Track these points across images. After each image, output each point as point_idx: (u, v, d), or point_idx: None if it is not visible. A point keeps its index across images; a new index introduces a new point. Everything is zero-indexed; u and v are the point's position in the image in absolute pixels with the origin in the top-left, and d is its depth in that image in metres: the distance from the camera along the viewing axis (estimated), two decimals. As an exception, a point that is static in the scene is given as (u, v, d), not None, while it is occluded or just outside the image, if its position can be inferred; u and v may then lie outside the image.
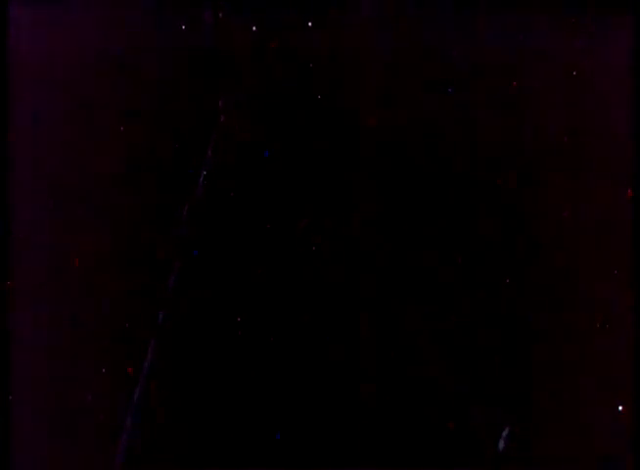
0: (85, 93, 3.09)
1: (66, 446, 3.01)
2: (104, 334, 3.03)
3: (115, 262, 3.05)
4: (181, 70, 3.10)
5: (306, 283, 3.05)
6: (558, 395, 3.03)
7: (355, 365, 3.03)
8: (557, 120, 3.10)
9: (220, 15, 3.11)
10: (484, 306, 3.05)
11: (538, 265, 3.07)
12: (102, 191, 3.07)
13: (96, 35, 3.10)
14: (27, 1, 3.11)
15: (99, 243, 3.06)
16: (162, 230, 3.06)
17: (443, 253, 3.06)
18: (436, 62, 3.10)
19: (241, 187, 3.07)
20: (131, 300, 3.03)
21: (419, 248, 3.06)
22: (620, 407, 3.01)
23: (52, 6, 3.11)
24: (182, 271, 3.04)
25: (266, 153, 3.08)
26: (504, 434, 3.02)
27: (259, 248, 3.05)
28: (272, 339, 3.03)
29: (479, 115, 3.09)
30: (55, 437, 3.02)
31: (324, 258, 3.05)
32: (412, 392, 3.03)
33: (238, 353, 3.03)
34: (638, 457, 3.01)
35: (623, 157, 3.08)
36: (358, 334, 3.04)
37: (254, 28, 3.11)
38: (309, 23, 3.10)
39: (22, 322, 3.03)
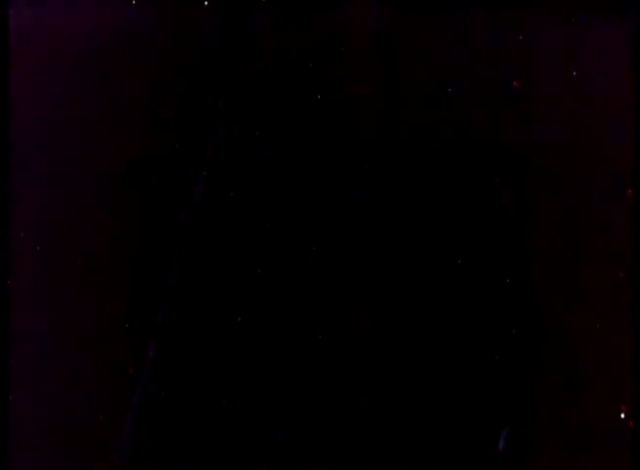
0: (85, 93, 3.10)
1: (66, 447, 3.01)
2: (104, 334, 3.03)
3: (115, 262, 3.05)
4: (181, 69, 3.10)
5: (307, 283, 3.05)
6: (558, 395, 3.03)
7: (355, 365, 3.03)
8: (557, 120, 3.10)
9: (220, 15, 3.11)
10: (484, 306, 3.04)
11: (538, 265, 3.06)
12: (102, 191, 3.07)
13: (95, 35, 3.10)
14: (27, 1, 3.11)
15: (99, 243, 3.06)
16: (163, 230, 3.06)
17: (443, 253, 3.06)
18: (436, 62, 3.10)
19: (241, 187, 3.07)
20: (131, 300, 3.03)
21: (419, 248, 3.06)
22: (622, 414, 3.01)
23: (52, 6, 3.11)
24: (182, 271, 3.04)
25: (266, 153, 3.08)
26: (504, 434, 3.02)
27: (259, 248, 3.05)
28: (272, 339, 3.03)
29: (478, 114, 3.09)
30: (55, 437, 3.01)
31: (324, 257, 3.05)
32: (412, 392, 3.03)
33: (238, 353, 3.03)
34: (638, 457, 3.01)
35: (623, 157, 3.08)
36: (358, 334, 3.04)
37: (254, 28, 3.11)
38: (309, 23, 3.10)
39: (23, 322, 3.03)
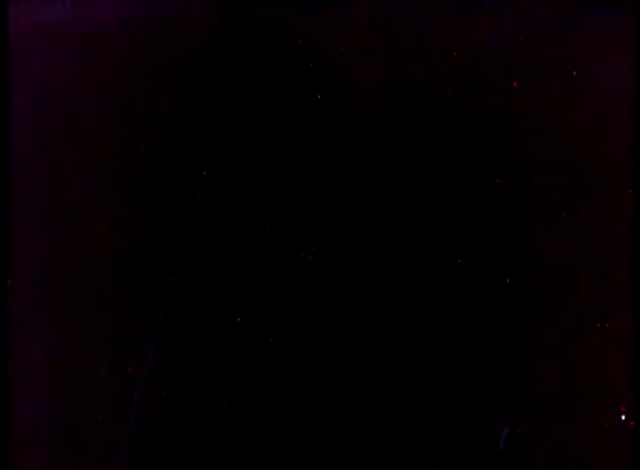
0: (85, 94, 3.10)
1: (66, 447, 3.01)
2: (104, 334, 3.03)
3: (115, 262, 3.05)
4: (181, 69, 3.10)
5: (306, 283, 3.05)
6: (558, 395, 3.03)
7: (355, 366, 3.03)
8: (557, 120, 3.10)
9: (221, 14, 3.11)
10: (484, 306, 3.05)
11: (538, 265, 3.06)
12: (102, 191, 3.07)
13: (95, 36, 3.10)
14: (28, 1, 3.11)
15: (99, 243, 3.06)
16: (163, 230, 3.06)
17: (443, 253, 3.06)
18: (437, 62, 3.10)
19: (241, 187, 3.07)
20: (131, 300, 3.03)
21: (419, 248, 3.06)
22: (623, 416, 3.01)
23: (52, 6, 3.12)
24: (182, 271, 3.05)
25: (266, 153, 3.08)
26: (504, 434, 3.02)
27: (259, 248, 3.05)
28: (272, 339, 3.03)
29: (478, 114, 3.09)
30: (55, 437, 3.02)
31: (324, 257, 3.05)
32: (412, 392, 3.03)
33: (238, 353, 3.03)
34: (638, 457, 3.01)
35: (623, 157, 3.08)
36: (358, 334, 3.04)
37: (254, 28, 3.11)
38: (310, 23, 3.10)
39: (22, 322, 3.03)
